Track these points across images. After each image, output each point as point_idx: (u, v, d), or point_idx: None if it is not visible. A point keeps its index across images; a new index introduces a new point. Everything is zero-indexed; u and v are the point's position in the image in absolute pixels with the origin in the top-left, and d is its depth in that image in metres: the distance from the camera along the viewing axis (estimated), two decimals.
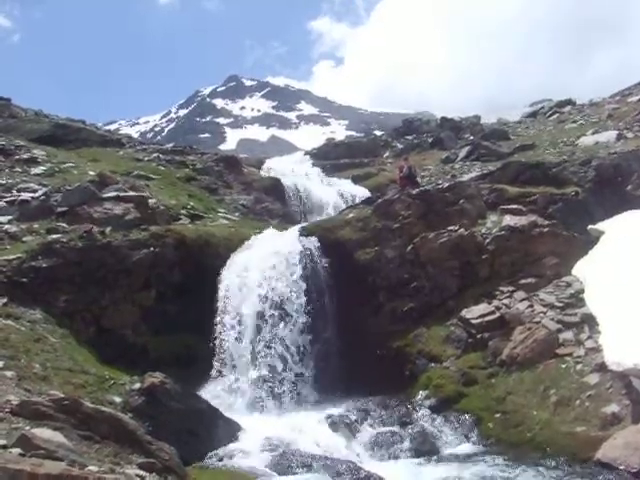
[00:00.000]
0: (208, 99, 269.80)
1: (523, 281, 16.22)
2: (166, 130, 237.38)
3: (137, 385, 11.66)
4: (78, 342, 14.17)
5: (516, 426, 12.52)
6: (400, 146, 37.74)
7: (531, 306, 15.13)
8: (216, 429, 11.94)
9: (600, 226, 16.77)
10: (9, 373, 10.48)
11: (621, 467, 10.16)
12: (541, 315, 14.65)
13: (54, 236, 16.23)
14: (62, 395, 8.49)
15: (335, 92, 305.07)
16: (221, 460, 11.24)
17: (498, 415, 13.03)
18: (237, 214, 23.74)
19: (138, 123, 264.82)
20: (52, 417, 7.48)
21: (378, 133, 64.14)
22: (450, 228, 17.57)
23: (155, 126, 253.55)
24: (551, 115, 38.68)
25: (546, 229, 17.24)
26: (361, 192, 27.30)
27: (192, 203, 22.13)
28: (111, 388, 11.72)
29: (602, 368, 12.24)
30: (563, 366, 13.17)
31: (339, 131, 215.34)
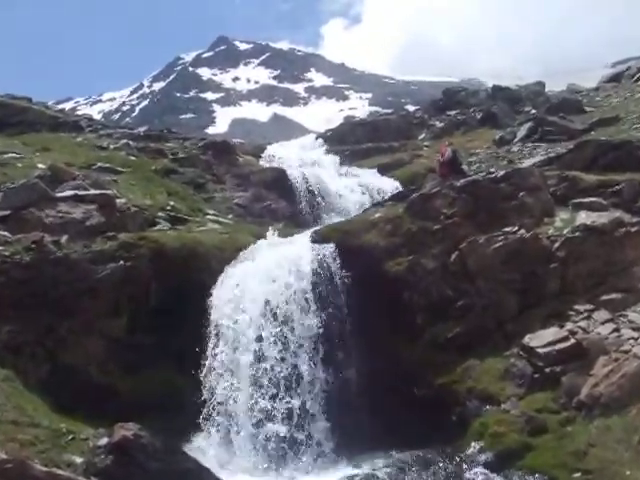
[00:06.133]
0: (191, 68, 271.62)
1: (605, 297, 16.05)
2: (137, 109, 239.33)
3: (104, 440, 11.58)
4: (26, 385, 14.14)
5: None
6: (440, 124, 37.68)
7: (617, 330, 14.93)
8: None
9: None
10: None
11: None
12: (631, 342, 14.44)
13: None
14: (4, 456, 8.45)
15: (352, 58, 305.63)
16: None
17: (578, 475, 12.79)
18: (231, 216, 23.77)
19: (101, 100, 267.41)
20: None
21: (411, 108, 64.21)
22: (507, 230, 17.44)
23: (123, 104, 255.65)
24: None
25: (635, 228, 17.07)
26: (390, 185, 27.26)
27: (173, 203, 22.17)
28: (70, 445, 11.67)
29: None
30: None
31: (360, 107, 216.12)
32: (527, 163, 23.36)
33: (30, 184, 18.41)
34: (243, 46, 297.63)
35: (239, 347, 16.28)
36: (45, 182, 18.88)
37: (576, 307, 16.05)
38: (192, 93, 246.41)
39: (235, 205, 25.01)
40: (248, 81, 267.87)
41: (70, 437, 11.95)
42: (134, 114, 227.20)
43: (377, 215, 19.52)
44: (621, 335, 14.76)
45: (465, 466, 13.76)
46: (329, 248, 18.06)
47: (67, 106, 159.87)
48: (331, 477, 13.69)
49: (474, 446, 14.26)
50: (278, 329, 16.36)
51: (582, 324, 15.53)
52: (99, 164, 23.60)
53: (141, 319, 16.94)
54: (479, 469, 13.61)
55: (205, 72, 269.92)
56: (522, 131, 30.14)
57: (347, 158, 31.73)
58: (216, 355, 16.26)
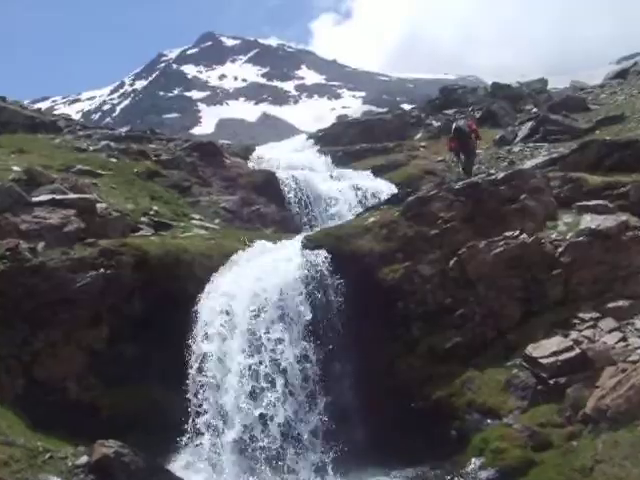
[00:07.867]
0: (175, 65, 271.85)
1: (612, 304, 16.05)
2: (118, 109, 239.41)
3: (83, 459, 11.57)
4: (0, 401, 14.10)
5: None
6: (437, 124, 37.74)
7: (624, 339, 14.94)
8: None
9: None
10: None
11: None
12: (639, 352, 14.46)
13: None
14: None
15: (344, 54, 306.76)
16: None
17: None
18: (218, 221, 23.76)
19: (80, 99, 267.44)
20: None
21: (407, 107, 64.39)
22: (508, 234, 17.44)
23: (103, 103, 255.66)
24: None
25: None
26: (385, 188, 27.28)
27: (156, 207, 22.14)
28: (47, 464, 11.61)
29: None
30: None
31: (354, 105, 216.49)
32: (529, 164, 23.42)
33: (4, 188, 18.29)
34: (230, 42, 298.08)
35: (226, 359, 16.22)
36: (21, 186, 18.78)
37: (581, 315, 16.04)
38: (176, 92, 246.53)
39: (222, 209, 24.99)
40: (235, 79, 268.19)
41: (47, 456, 11.88)
42: (115, 114, 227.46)
43: (371, 219, 19.48)
44: (628, 345, 14.75)
45: None
46: (321, 254, 18.03)
47: (44, 105, 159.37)
48: None
49: (474, 462, 14.22)
50: (267, 341, 16.32)
51: (587, 333, 15.53)
52: (78, 166, 23.51)
53: (123, 331, 16.83)
54: None
55: (190, 69, 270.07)
56: (523, 130, 30.27)
57: (340, 159, 31.82)
58: (202, 369, 16.16)
